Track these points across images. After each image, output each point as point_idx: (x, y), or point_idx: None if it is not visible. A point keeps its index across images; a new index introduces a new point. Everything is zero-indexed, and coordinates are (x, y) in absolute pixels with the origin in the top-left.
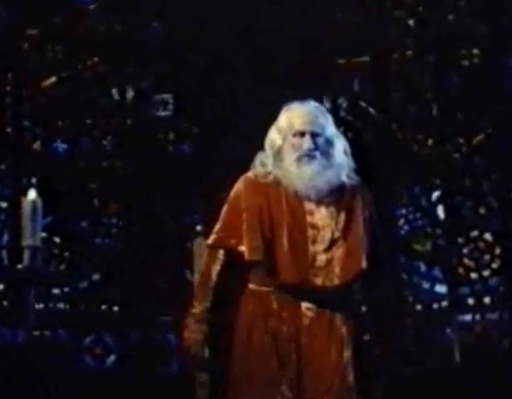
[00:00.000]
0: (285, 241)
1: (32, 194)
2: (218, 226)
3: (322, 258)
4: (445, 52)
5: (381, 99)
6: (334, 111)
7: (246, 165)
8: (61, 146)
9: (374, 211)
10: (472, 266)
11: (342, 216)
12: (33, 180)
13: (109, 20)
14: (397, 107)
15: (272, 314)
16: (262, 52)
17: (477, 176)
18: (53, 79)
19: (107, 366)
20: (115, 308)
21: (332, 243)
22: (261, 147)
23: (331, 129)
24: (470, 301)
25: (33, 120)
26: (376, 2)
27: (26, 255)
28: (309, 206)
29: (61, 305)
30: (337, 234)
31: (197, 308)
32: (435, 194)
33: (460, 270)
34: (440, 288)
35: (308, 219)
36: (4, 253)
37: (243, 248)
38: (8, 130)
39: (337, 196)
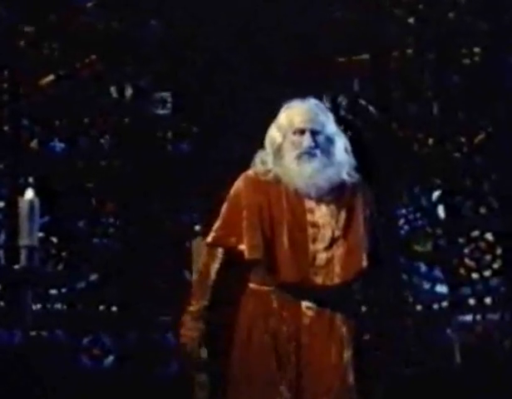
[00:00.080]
0: (285, 239)
1: (29, 193)
2: (217, 224)
3: (322, 257)
4: (445, 50)
5: (381, 97)
6: (334, 110)
7: (245, 163)
8: (59, 145)
9: (375, 209)
10: (473, 266)
11: (343, 214)
12: (30, 180)
13: (107, 17)
14: (397, 106)
15: (272, 314)
16: (261, 50)
17: (478, 176)
18: (51, 77)
19: (105, 366)
20: (113, 309)
21: (333, 241)
22: (260, 146)
23: (331, 127)
24: (471, 301)
25: (30, 118)
26: None
27: (23, 255)
28: (309, 204)
29: (58, 305)
30: (337, 233)
31: (194, 306)
32: (436, 194)
33: (461, 270)
34: (441, 289)
35: (309, 217)
36: (1, 252)
37: (242, 246)
38: (5, 128)
39: (337, 194)
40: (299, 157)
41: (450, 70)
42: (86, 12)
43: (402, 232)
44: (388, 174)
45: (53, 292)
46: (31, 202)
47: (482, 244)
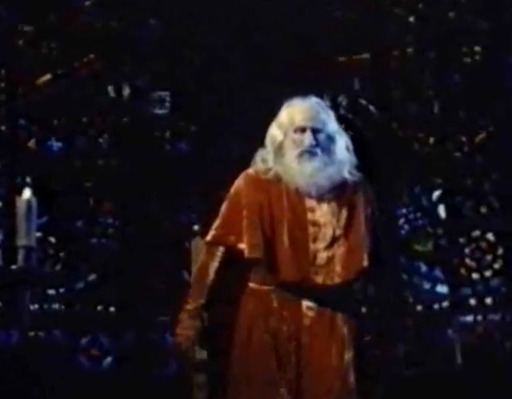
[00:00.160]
0: (286, 238)
1: (27, 193)
2: (217, 222)
3: (323, 256)
4: (445, 50)
5: (382, 97)
6: (334, 109)
7: (244, 163)
8: (57, 145)
9: (376, 208)
10: (474, 266)
11: (344, 213)
12: (28, 179)
13: (105, 17)
14: (398, 105)
15: (272, 313)
16: (259, 50)
17: (479, 175)
18: (48, 76)
19: (103, 367)
20: (112, 309)
21: (334, 240)
22: (259, 145)
23: (332, 125)
24: (472, 301)
25: (28, 118)
26: None
27: (20, 255)
28: (310, 203)
29: (56, 306)
30: (338, 232)
31: (191, 305)
32: (436, 194)
33: (462, 270)
34: (442, 289)
35: (309, 216)
36: None
37: (242, 245)
38: (2, 128)
39: (338, 193)
40: (300, 155)
41: (451, 69)
42: (84, 11)
43: (403, 232)
44: (388, 173)
45: (51, 292)
46: (28, 202)
47: (483, 244)
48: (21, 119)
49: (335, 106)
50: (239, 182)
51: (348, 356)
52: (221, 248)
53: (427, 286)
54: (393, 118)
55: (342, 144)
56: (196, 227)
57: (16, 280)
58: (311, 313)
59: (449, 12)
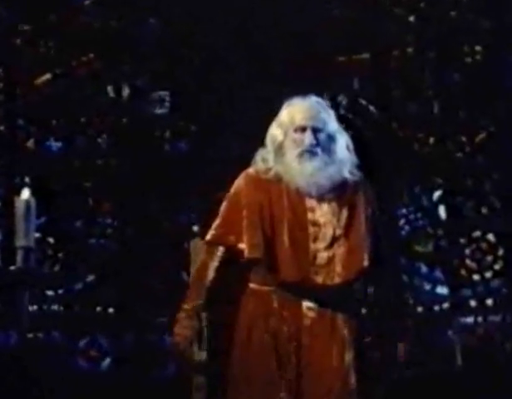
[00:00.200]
0: (286, 238)
1: (26, 193)
2: (217, 222)
3: (323, 256)
4: (446, 49)
5: (382, 97)
6: (333, 109)
7: (244, 163)
8: (55, 145)
9: (377, 208)
10: (474, 267)
11: (344, 213)
12: (27, 179)
13: (104, 16)
14: (398, 105)
15: (272, 313)
16: (259, 49)
17: (479, 175)
18: (47, 76)
19: (102, 369)
20: (110, 310)
21: (334, 240)
22: (258, 145)
23: (333, 124)
24: (472, 303)
25: (27, 118)
26: None
27: (19, 256)
28: (310, 203)
29: (55, 307)
30: (338, 232)
31: (189, 304)
32: (437, 194)
33: (462, 271)
34: (442, 290)
35: (309, 216)
36: None
37: (242, 245)
38: (1, 128)
39: (339, 193)
40: (300, 155)
41: (451, 68)
42: (83, 11)
43: (403, 232)
44: (388, 173)
45: (50, 293)
46: (27, 202)
47: (483, 245)
48: (19, 119)
49: (334, 106)
50: (240, 181)
51: (349, 357)
52: (221, 248)
53: (427, 287)
54: (393, 118)
55: (343, 143)
56: (196, 227)
57: (14, 281)
58: (311, 314)
59: (450, 11)
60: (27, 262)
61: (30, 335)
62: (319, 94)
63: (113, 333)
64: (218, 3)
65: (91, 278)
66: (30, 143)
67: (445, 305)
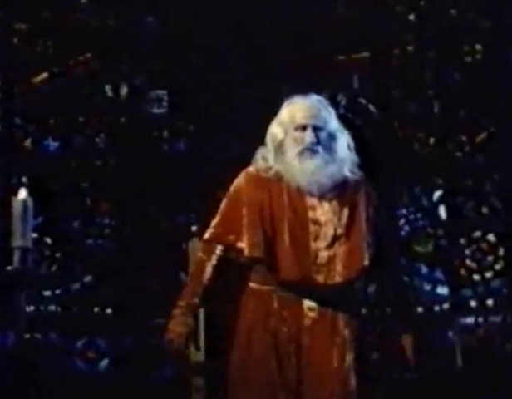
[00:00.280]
0: (286, 237)
1: (23, 193)
2: (216, 220)
3: (324, 255)
4: (446, 48)
5: (382, 96)
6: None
7: (242, 162)
8: (53, 144)
9: (379, 206)
10: (474, 267)
11: (345, 212)
12: (24, 179)
13: (101, 14)
14: (398, 104)
15: (272, 313)
16: (258, 48)
17: (480, 175)
18: (44, 75)
19: (100, 370)
20: (108, 311)
21: (335, 239)
22: (257, 144)
23: (334, 123)
24: (473, 303)
25: (24, 117)
26: None
27: (16, 256)
28: (311, 201)
29: (52, 307)
30: (339, 231)
31: (184, 301)
32: (437, 194)
33: (463, 272)
34: (442, 290)
35: (310, 214)
36: None
37: (241, 244)
38: None
39: (339, 191)
40: (301, 153)
41: (452, 68)
42: (80, 9)
43: (403, 232)
44: (389, 173)
45: (47, 293)
46: (24, 202)
47: (484, 245)
48: (16, 118)
49: (334, 105)
50: (240, 180)
51: (349, 358)
52: (219, 247)
53: (428, 287)
54: (393, 117)
55: (344, 142)
56: (194, 228)
57: (11, 281)
58: (312, 314)
59: (450, 10)
60: (24, 262)
61: (27, 336)
62: (319, 93)
63: (111, 334)
64: (216, 2)
65: (88, 278)
66: (27, 143)
67: (446, 305)
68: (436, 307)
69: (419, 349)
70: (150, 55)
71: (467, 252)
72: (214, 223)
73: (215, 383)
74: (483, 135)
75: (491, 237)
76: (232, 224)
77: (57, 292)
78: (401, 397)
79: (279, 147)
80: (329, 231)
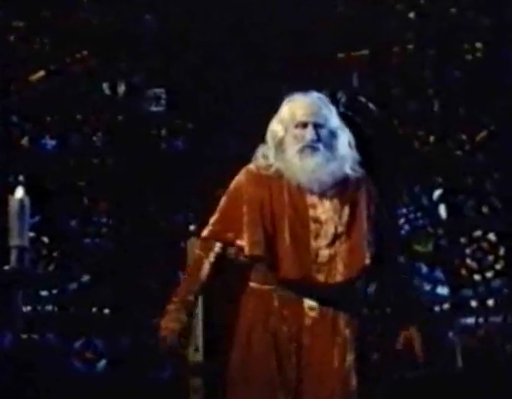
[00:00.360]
0: (287, 236)
1: (20, 192)
2: (214, 218)
3: (324, 254)
4: (446, 46)
5: (381, 94)
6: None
7: (241, 161)
8: (50, 143)
9: (380, 204)
10: (475, 267)
11: (346, 210)
12: (21, 178)
13: (100, 12)
14: (397, 103)
15: (273, 313)
16: (257, 46)
17: (480, 174)
18: (42, 73)
19: (98, 370)
20: (106, 311)
21: (335, 238)
22: (256, 143)
23: (335, 120)
24: (473, 303)
25: (21, 115)
26: None
27: (13, 256)
28: (312, 199)
29: (49, 307)
30: (340, 229)
31: (178, 298)
32: (437, 193)
33: (463, 271)
34: (442, 290)
35: (311, 212)
36: None
37: (240, 242)
38: None
39: (340, 189)
40: (301, 151)
41: (452, 66)
42: (78, 7)
43: (403, 232)
44: (388, 172)
45: (44, 293)
46: (21, 201)
47: (484, 245)
48: (14, 116)
49: (334, 103)
50: (240, 177)
51: (350, 357)
52: (218, 244)
53: (428, 287)
54: (393, 116)
55: (345, 140)
56: (192, 227)
57: (8, 281)
58: (313, 313)
59: (450, 8)
60: (21, 262)
61: (24, 336)
62: (318, 91)
63: (109, 335)
64: (215, 0)
65: (86, 278)
66: (24, 141)
67: (446, 306)
68: (436, 308)
69: (427, 345)
70: (149, 53)
71: (467, 251)
72: (212, 220)
73: (214, 384)
74: (483, 134)
75: (492, 236)
76: (231, 222)
77: (54, 291)
78: (401, 397)
79: (280, 145)
80: (330, 229)
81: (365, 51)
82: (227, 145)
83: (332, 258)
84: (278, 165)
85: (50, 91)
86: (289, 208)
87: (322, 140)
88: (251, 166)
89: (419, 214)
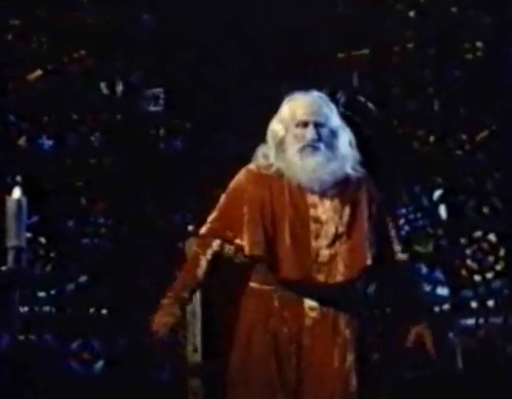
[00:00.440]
0: (287, 236)
1: (17, 192)
2: (213, 216)
3: (325, 254)
4: (446, 45)
5: (381, 93)
6: None
7: (240, 161)
8: (47, 143)
9: (381, 203)
10: (475, 268)
11: (347, 210)
12: (18, 178)
13: (97, 11)
14: (397, 102)
15: (273, 313)
16: (255, 46)
17: (480, 174)
18: (39, 72)
19: (95, 371)
20: (104, 311)
21: (336, 238)
22: (255, 143)
23: (335, 120)
24: (473, 304)
25: (18, 114)
26: None
27: (10, 256)
28: (312, 199)
29: (46, 308)
30: (340, 229)
31: (173, 293)
32: (437, 193)
33: (463, 272)
34: (442, 291)
35: (311, 212)
36: None
37: (239, 241)
38: None
39: (341, 189)
40: (302, 150)
41: (452, 65)
42: (75, 6)
43: (403, 232)
44: (388, 172)
45: (41, 294)
46: (18, 201)
47: (485, 245)
48: (11, 115)
49: (333, 103)
50: (240, 177)
51: (350, 358)
52: (216, 242)
53: (428, 288)
54: (392, 115)
55: (346, 139)
56: (191, 227)
57: (5, 282)
58: (313, 314)
59: (450, 7)
60: (19, 262)
61: (21, 337)
62: (318, 90)
63: (106, 335)
64: None
65: (83, 278)
66: (21, 141)
67: (446, 306)
68: (436, 308)
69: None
70: (146, 52)
71: (468, 252)
72: (211, 218)
73: (213, 385)
74: (483, 134)
75: (492, 237)
76: (231, 221)
77: (52, 292)
78: (401, 398)
79: (280, 144)
80: (330, 229)
81: (365, 51)
82: (225, 144)
83: (332, 258)
84: (278, 164)
85: (47, 91)
86: (290, 208)
87: (323, 139)
88: (251, 166)
89: (419, 215)
